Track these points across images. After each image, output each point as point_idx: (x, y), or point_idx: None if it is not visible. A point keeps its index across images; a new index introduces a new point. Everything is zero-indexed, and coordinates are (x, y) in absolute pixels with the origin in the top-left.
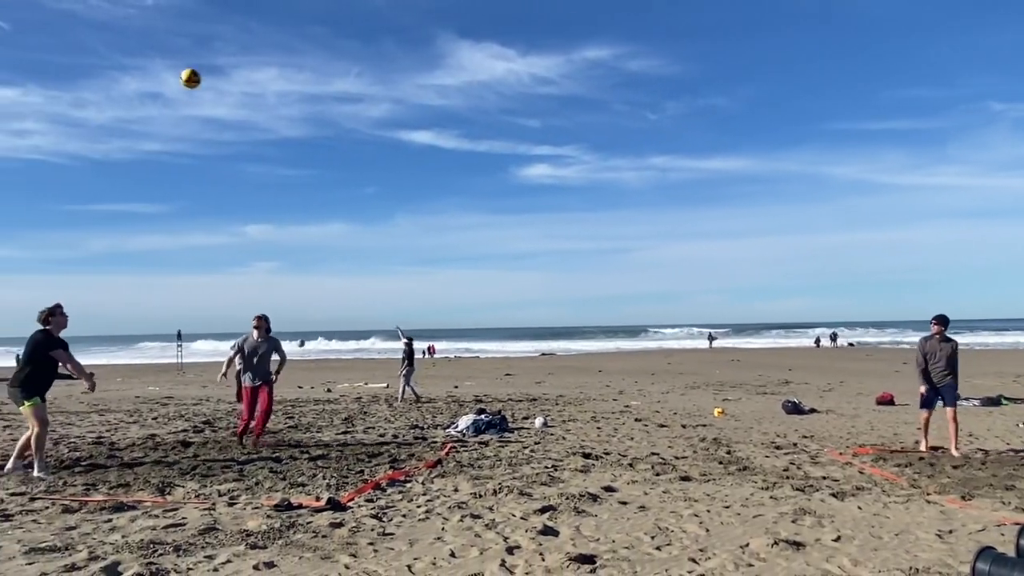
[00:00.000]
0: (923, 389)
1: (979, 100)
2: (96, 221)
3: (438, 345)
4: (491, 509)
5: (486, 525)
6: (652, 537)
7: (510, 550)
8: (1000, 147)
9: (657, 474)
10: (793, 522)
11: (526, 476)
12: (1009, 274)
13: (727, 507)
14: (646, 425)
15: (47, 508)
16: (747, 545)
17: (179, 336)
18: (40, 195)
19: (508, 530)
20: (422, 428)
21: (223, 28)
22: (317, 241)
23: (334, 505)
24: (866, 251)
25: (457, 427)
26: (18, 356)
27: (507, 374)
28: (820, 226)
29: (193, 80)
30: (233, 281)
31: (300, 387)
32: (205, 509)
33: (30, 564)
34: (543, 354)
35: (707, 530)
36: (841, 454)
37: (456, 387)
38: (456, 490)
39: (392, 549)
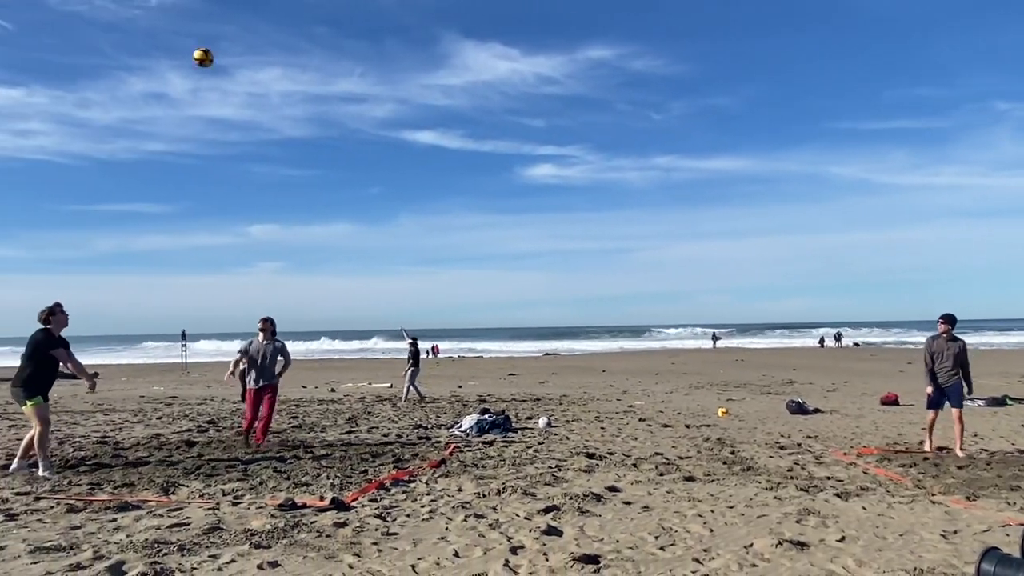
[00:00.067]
0: (929, 390)
1: (983, 99)
2: (101, 221)
3: (442, 345)
4: (495, 509)
5: (490, 525)
6: (656, 537)
7: (514, 550)
8: (1004, 146)
9: (661, 474)
10: (797, 522)
11: (530, 476)
12: (1013, 274)
13: (731, 507)
14: (650, 425)
15: (52, 507)
16: (751, 545)
17: (184, 336)
18: (45, 195)
19: (512, 530)
20: (426, 428)
21: (228, 28)
22: (321, 241)
23: (338, 505)
24: (869, 251)
25: (461, 427)
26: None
27: (511, 374)
28: (823, 226)
29: (207, 58)
30: (237, 281)
31: (304, 387)
32: (209, 509)
33: (35, 563)
34: (547, 354)
35: (711, 530)
36: (845, 454)
37: (460, 387)
38: (460, 490)
39: (396, 549)
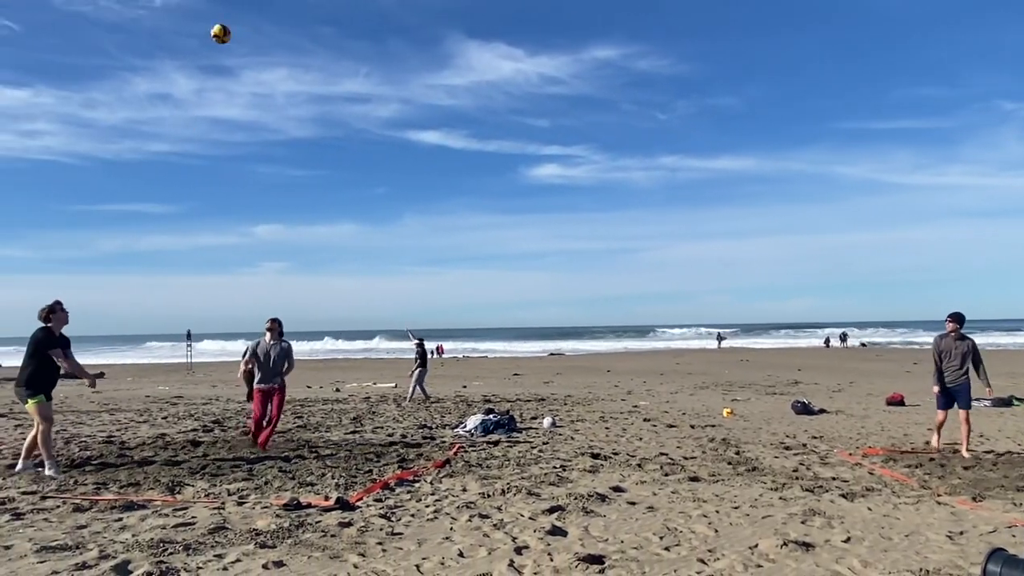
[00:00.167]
0: (936, 389)
1: (989, 99)
2: (106, 221)
3: (446, 345)
4: (499, 509)
5: (494, 525)
6: (661, 538)
7: (518, 550)
8: (1010, 146)
9: (666, 474)
10: (803, 523)
11: (534, 476)
12: (1020, 274)
13: (736, 508)
14: (655, 425)
15: (58, 507)
16: (756, 546)
17: (189, 336)
18: (50, 195)
19: (516, 530)
20: (430, 428)
21: (232, 29)
22: (326, 241)
23: (343, 505)
24: (875, 251)
25: (465, 427)
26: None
27: (515, 374)
28: (828, 226)
29: (224, 35)
30: (242, 281)
31: (309, 387)
32: (215, 508)
33: (42, 563)
34: (551, 354)
35: (716, 531)
36: (851, 455)
37: (464, 387)
38: (464, 490)
39: (401, 549)
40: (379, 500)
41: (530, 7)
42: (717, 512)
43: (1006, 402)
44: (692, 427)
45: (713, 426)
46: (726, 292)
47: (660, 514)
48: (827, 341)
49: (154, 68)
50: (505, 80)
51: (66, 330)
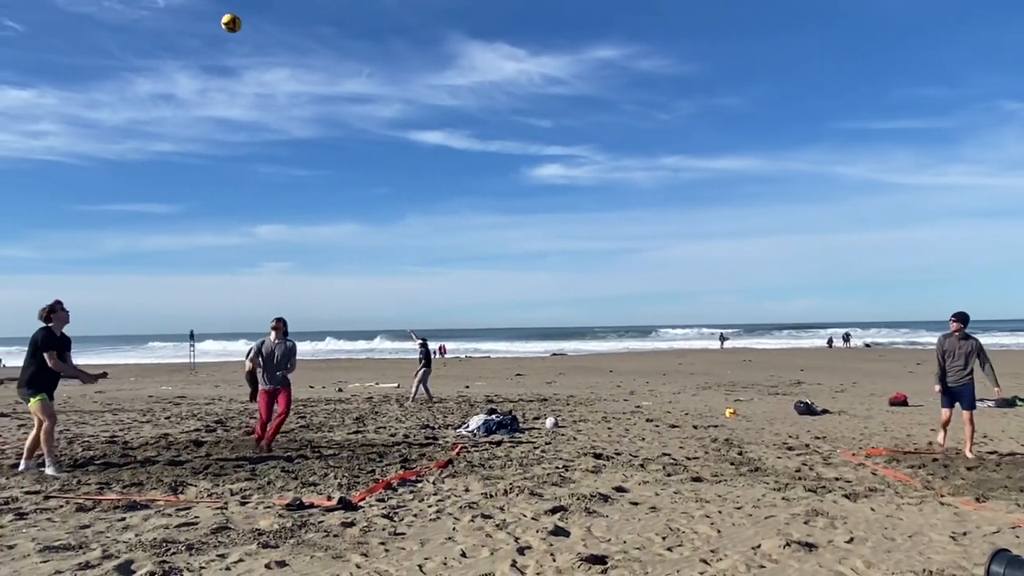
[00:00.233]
0: (937, 388)
1: (990, 99)
2: (109, 221)
3: (449, 345)
4: (502, 509)
5: (497, 525)
6: (663, 538)
7: (521, 550)
8: (1012, 146)
9: (668, 475)
10: (805, 523)
11: (537, 476)
12: (1022, 274)
13: (739, 508)
14: (657, 426)
15: (61, 507)
16: (759, 546)
17: (192, 336)
18: (54, 195)
19: (519, 530)
20: (433, 428)
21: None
22: (328, 241)
23: (345, 505)
24: (876, 251)
25: (468, 427)
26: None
27: (518, 374)
28: (830, 226)
29: (232, 24)
30: (244, 281)
31: (311, 387)
32: (217, 508)
33: (45, 562)
34: (554, 354)
35: (719, 531)
36: (854, 455)
37: (467, 387)
38: (467, 490)
39: (403, 549)
40: (382, 500)
41: (532, 7)
42: (720, 512)
43: (1009, 403)
44: (695, 427)
45: (716, 426)
46: (728, 292)
47: (663, 514)
48: (830, 341)
49: (157, 68)
50: (507, 80)
51: (68, 330)
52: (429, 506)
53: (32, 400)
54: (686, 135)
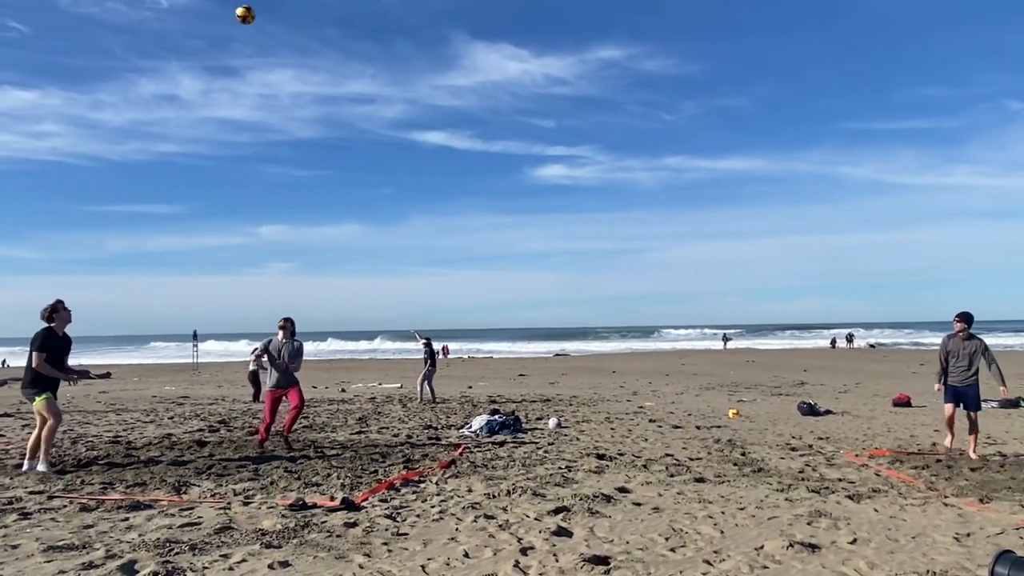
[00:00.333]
0: (936, 387)
1: (995, 99)
2: (112, 222)
3: (452, 345)
4: (505, 510)
5: (500, 526)
6: (666, 539)
7: (524, 551)
8: (1017, 146)
9: (671, 475)
10: (808, 524)
11: (540, 477)
12: None
13: (742, 509)
14: (660, 426)
15: (65, 506)
16: (762, 547)
17: (195, 336)
18: (57, 196)
19: (522, 531)
20: (436, 428)
21: (238, 30)
22: (331, 242)
23: (348, 505)
24: (880, 251)
25: (471, 427)
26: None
27: (520, 375)
28: (834, 226)
29: (248, 15)
30: (247, 282)
31: (315, 387)
32: (220, 508)
33: (48, 562)
34: (557, 355)
35: (722, 532)
36: (857, 456)
37: (470, 387)
38: (470, 490)
39: (406, 549)
40: (384, 500)
41: (535, 8)
42: (723, 513)
43: (1014, 403)
44: (698, 428)
45: (719, 427)
46: (732, 293)
47: (666, 515)
48: (833, 342)
49: (160, 69)
50: (510, 81)
51: (71, 330)
52: (432, 506)
53: (37, 399)
54: (689, 135)
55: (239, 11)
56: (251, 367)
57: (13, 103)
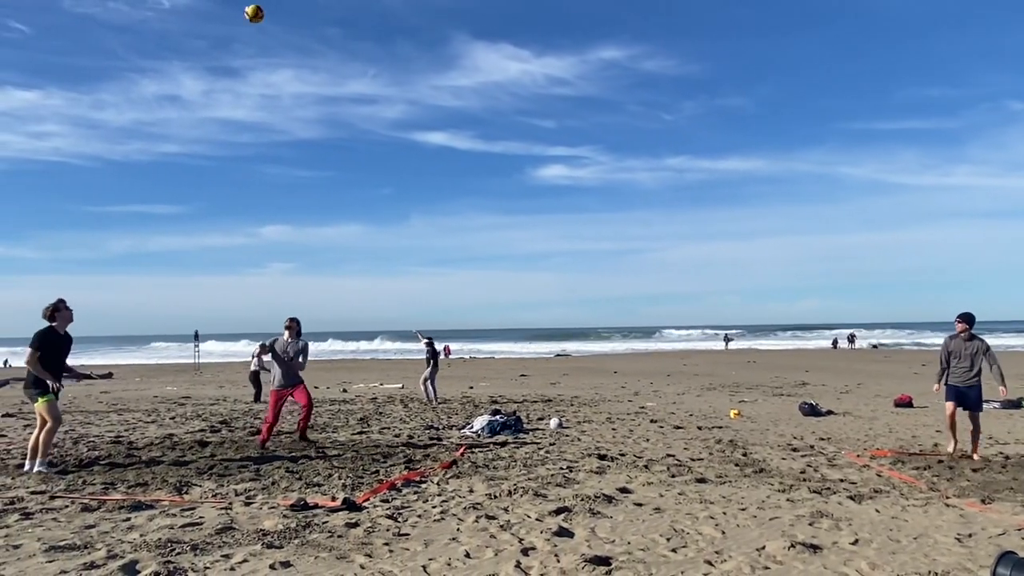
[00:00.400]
0: (935, 387)
1: (996, 99)
2: (115, 222)
3: (453, 346)
4: (506, 510)
5: (501, 526)
6: (668, 539)
7: (525, 551)
8: (1017, 147)
9: (673, 476)
10: (810, 525)
11: (541, 477)
12: None
13: (743, 509)
14: (661, 426)
15: (66, 507)
16: (763, 548)
17: (196, 336)
18: (59, 196)
19: (523, 531)
20: (437, 429)
21: (240, 30)
22: (332, 242)
23: (350, 505)
24: (881, 252)
25: (472, 428)
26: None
27: (522, 375)
28: (835, 226)
29: (258, 15)
30: (249, 282)
31: (316, 387)
32: (222, 508)
33: (50, 562)
34: (558, 355)
35: (723, 532)
36: (859, 456)
37: (471, 388)
38: (471, 491)
39: (407, 549)
40: (386, 501)
41: (536, 8)
42: (724, 514)
43: (1015, 404)
44: (699, 428)
45: (720, 427)
46: (733, 293)
47: (667, 516)
48: (835, 342)
49: (162, 70)
50: (511, 81)
51: (72, 330)
52: (433, 507)
53: (40, 400)
54: (690, 136)
55: (249, 10)
56: (252, 367)
57: (15, 103)
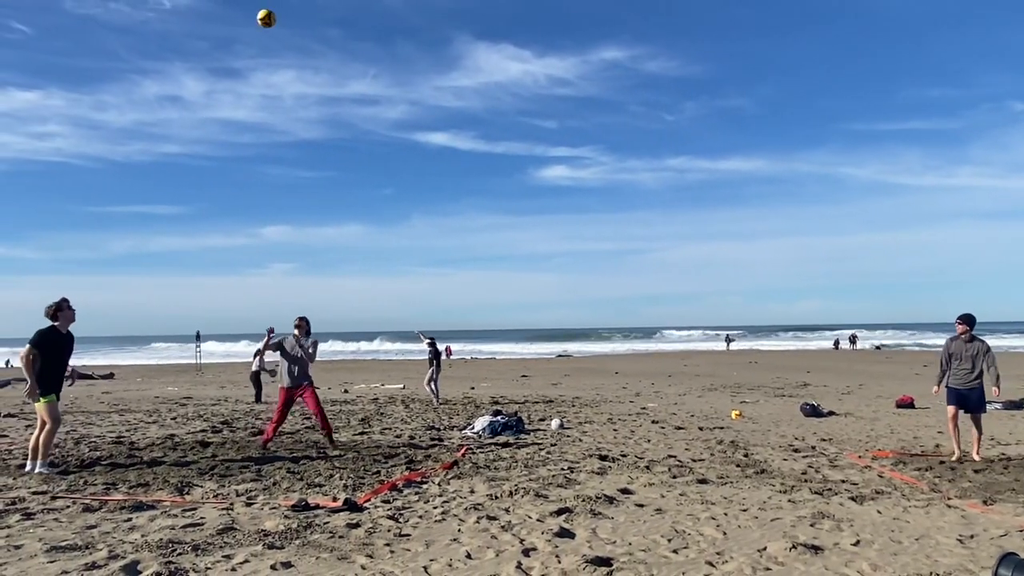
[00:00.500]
0: (935, 389)
1: (998, 100)
2: (116, 223)
3: (454, 346)
4: (507, 511)
5: (502, 527)
6: (669, 540)
7: (526, 552)
8: (1020, 147)
9: (674, 476)
10: (811, 526)
11: (542, 478)
12: None
13: (744, 510)
14: (663, 427)
15: (68, 507)
16: (765, 549)
17: (198, 337)
18: (61, 197)
19: (524, 532)
20: (438, 429)
21: (241, 31)
22: (333, 242)
23: (351, 506)
24: (884, 252)
25: (473, 428)
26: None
27: (523, 375)
28: (837, 227)
29: (270, 20)
30: (250, 282)
31: (317, 388)
32: (223, 509)
33: (52, 562)
34: (559, 355)
35: (724, 533)
36: (860, 457)
37: (472, 388)
38: (472, 491)
39: (408, 550)
40: (387, 501)
41: (538, 9)
42: (725, 515)
43: (1017, 405)
44: (700, 429)
45: (721, 428)
46: (734, 293)
47: (668, 516)
48: (836, 343)
49: (163, 70)
50: (513, 81)
51: (74, 330)
52: (434, 507)
53: (41, 400)
54: (692, 136)
55: (261, 14)
56: (253, 368)
57: (16, 104)
